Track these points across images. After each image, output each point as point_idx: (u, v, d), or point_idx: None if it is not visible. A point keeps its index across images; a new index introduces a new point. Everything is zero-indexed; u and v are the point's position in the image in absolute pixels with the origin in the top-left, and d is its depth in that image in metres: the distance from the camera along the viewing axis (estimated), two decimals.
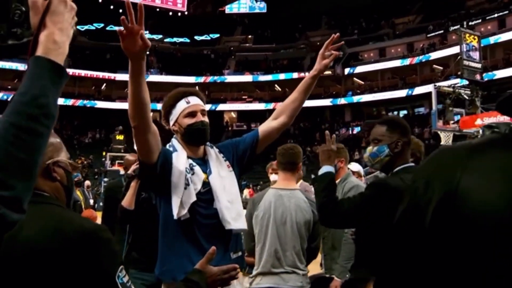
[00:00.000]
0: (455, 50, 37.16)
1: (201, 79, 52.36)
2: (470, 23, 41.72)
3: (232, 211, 2.92)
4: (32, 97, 1.18)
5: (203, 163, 3.04)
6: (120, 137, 37.95)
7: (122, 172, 26.21)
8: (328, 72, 50.48)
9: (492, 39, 39.53)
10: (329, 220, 3.24)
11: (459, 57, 20.48)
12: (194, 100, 3.08)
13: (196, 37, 56.44)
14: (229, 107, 54.35)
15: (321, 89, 50.71)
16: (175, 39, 56.16)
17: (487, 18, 42.78)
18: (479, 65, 21.08)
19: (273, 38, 57.71)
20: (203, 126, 3.03)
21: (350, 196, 3.35)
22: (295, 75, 50.99)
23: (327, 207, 3.13)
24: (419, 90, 44.10)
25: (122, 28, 2.33)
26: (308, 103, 46.42)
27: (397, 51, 50.04)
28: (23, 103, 1.17)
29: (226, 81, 54.09)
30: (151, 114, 2.73)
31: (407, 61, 47.34)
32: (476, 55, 21.07)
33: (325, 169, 3.31)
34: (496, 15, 42.23)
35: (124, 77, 52.90)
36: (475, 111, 19.62)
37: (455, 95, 19.49)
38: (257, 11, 57.82)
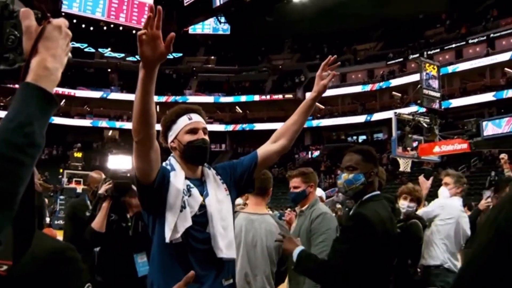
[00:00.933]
0: (414, 78, 37.85)
1: (163, 99, 52.09)
2: (429, 52, 42.75)
3: (225, 238, 2.82)
4: (19, 124, 1.13)
5: (200, 184, 2.92)
6: (78, 155, 37.85)
7: (79, 190, 25.97)
8: (289, 96, 50.95)
9: (450, 68, 40.50)
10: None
11: (419, 86, 20.80)
12: (196, 117, 2.99)
13: None
14: None
15: (282, 112, 51.03)
16: (137, 57, 55.64)
17: (445, 48, 43.87)
18: (438, 94, 21.45)
19: (235, 60, 57.87)
20: (204, 144, 2.93)
21: (334, 249, 3.31)
22: (256, 97, 51.28)
23: (327, 278, 3.23)
24: (378, 116, 44.86)
25: (142, 31, 2.22)
26: (269, 126, 46.66)
27: (357, 77, 50.78)
28: (9, 130, 1.12)
29: (188, 101, 53.94)
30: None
31: (368, 87, 48.08)
32: (435, 84, 21.44)
33: (296, 251, 3.35)
34: (454, 45, 43.31)
35: (84, 93, 52.26)
36: (433, 139, 19.89)
37: (414, 123, 19.80)
38: (220, 32, 57.92)
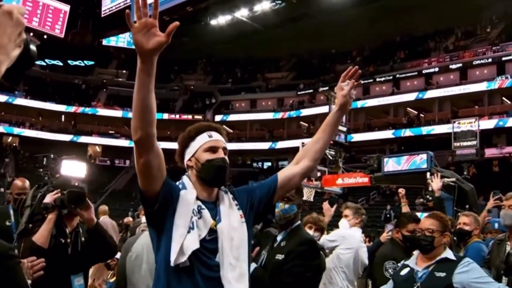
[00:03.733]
0: (322, 109, 39.17)
1: (71, 109, 50.60)
2: None
3: (236, 270, 2.58)
4: None
5: (214, 207, 2.68)
6: None
7: None
8: (198, 117, 50.86)
9: (359, 104, 42.11)
10: None
11: None
12: (216, 136, 2.77)
13: (69, 62, 54.48)
14: (94, 140, 52.69)
15: None
16: (47, 61, 53.74)
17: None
18: (344, 128, 22.16)
19: None
20: (224, 164, 2.69)
21: (288, 269, 3.94)
22: (165, 115, 50.73)
23: None
24: (284, 144, 45.51)
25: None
26: (175, 145, 46.42)
27: (267, 104, 51.50)
28: None
29: (97, 113, 52.64)
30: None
31: (279, 115, 48.87)
32: (343, 118, 22.04)
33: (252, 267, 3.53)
34: (362, 81, 44.94)
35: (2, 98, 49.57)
36: (337, 171, 20.43)
37: None
38: (134, 47, 57.13)
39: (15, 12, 1.08)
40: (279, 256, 4.17)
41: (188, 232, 2.51)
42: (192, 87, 56.30)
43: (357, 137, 40.84)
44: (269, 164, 50.23)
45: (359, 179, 19.15)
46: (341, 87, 2.97)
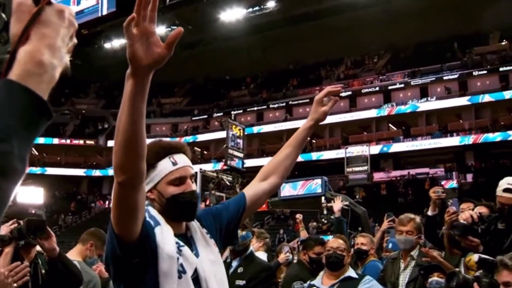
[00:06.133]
0: (217, 135, 39.43)
1: None
2: (232, 112, 44.60)
3: None
4: None
5: (187, 241, 2.22)
6: None
7: None
8: (90, 142, 49.48)
9: (255, 129, 42.80)
10: None
11: (225, 145, 21.50)
12: (182, 161, 2.22)
13: None
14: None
15: (81, 158, 49.39)
16: None
17: (248, 110, 46.13)
18: (241, 154, 22.38)
19: None
20: (194, 199, 2.21)
21: None
22: (55, 140, 48.82)
23: None
24: None
25: (129, 20, 1.57)
26: (64, 172, 44.87)
27: (162, 130, 50.98)
28: None
29: None
30: None
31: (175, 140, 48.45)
32: (239, 144, 22.36)
33: None
34: (256, 108, 45.73)
35: None
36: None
37: (218, 180, 20.34)
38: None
39: (66, 12, 0.94)
40: (240, 282, 4.39)
41: (179, 277, 2.07)
42: (84, 111, 54.68)
43: (250, 162, 41.24)
44: None
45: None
46: (321, 102, 2.64)
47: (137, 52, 1.62)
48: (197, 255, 2.18)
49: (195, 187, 2.27)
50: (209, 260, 2.20)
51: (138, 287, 2.08)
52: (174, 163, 2.18)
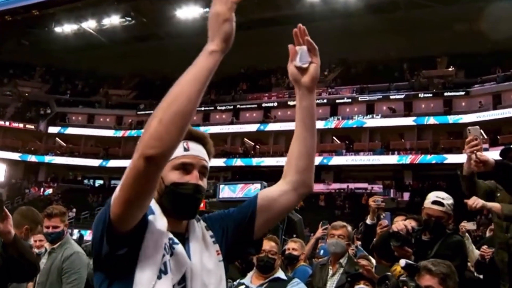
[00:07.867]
0: None
1: None
2: None
3: None
4: None
5: (182, 241, 1.90)
6: None
7: None
8: (30, 126, 48.16)
9: (201, 130, 42.57)
10: None
11: None
12: (195, 149, 1.99)
13: None
14: None
15: (19, 142, 47.99)
16: None
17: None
18: None
19: None
20: (197, 194, 1.90)
21: None
22: None
23: None
24: (118, 163, 44.07)
25: None
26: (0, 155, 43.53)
27: (105, 121, 50.24)
28: None
29: None
30: None
31: (119, 133, 47.78)
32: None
33: None
34: (203, 108, 45.51)
35: None
36: None
37: None
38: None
39: None
40: None
41: (159, 278, 1.77)
42: (27, 94, 53.17)
43: None
44: (101, 182, 48.77)
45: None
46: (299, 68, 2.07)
47: (232, 29, 1.65)
48: (189, 258, 1.88)
49: (204, 183, 1.95)
50: (203, 268, 1.89)
51: (112, 277, 1.81)
52: (186, 149, 1.95)
